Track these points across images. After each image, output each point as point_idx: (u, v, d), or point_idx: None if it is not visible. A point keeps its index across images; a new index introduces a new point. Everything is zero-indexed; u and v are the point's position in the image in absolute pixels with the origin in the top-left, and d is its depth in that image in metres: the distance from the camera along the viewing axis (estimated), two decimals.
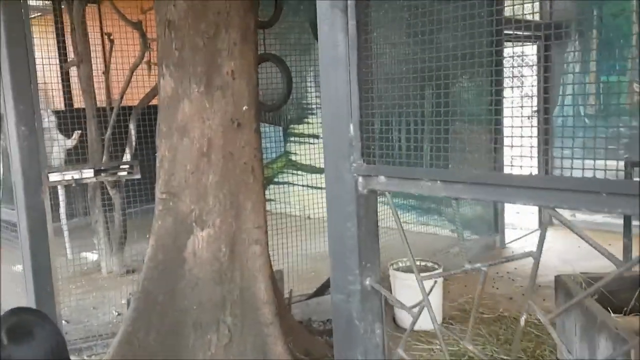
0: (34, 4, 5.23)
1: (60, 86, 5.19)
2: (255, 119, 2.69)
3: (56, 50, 4.83)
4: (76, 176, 2.93)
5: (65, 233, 4.74)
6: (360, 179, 1.37)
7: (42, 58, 4.16)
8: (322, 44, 1.40)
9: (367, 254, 1.44)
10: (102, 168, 2.99)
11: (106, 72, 4.33)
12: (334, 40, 1.38)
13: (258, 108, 2.74)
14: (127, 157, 4.34)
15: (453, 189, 1.24)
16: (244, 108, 2.61)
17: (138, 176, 3.05)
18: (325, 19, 1.38)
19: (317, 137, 5.80)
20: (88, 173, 2.94)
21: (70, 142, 4.26)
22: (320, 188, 4.97)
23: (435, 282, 2.42)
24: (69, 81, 5.52)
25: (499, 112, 3.28)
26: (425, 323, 1.37)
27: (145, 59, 4.22)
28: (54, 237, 2.96)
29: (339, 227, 1.44)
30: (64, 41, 4.49)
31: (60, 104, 5.01)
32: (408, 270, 3.50)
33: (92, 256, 4.81)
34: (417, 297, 1.34)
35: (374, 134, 1.37)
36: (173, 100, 2.60)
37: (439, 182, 1.25)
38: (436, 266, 3.53)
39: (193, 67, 2.55)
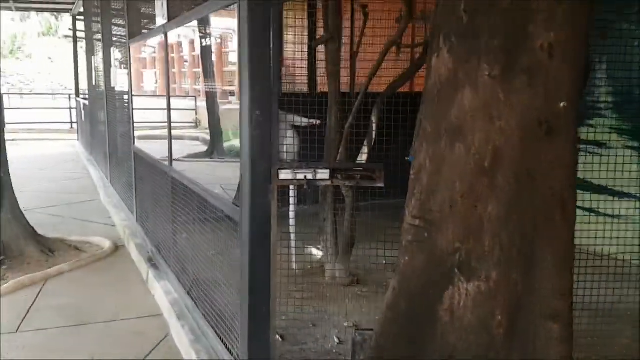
0: None
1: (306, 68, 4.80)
2: (574, 123, 1.72)
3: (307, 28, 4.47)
4: (309, 176, 2.33)
5: (292, 221, 4.20)
6: None
7: (294, 35, 3.74)
8: None
9: None
10: (339, 168, 2.34)
11: (355, 51, 3.75)
12: None
13: (577, 107, 1.76)
14: (362, 156, 3.71)
15: None
16: (561, 105, 1.66)
17: (381, 184, 2.33)
18: None
19: (603, 145, 4.43)
20: (323, 174, 2.32)
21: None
22: (611, 216, 3.65)
23: None
24: (315, 63, 5.17)
25: None
26: None
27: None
28: (278, 245, 2.44)
29: None
30: (315, 18, 4.07)
31: (303, 88, 4.60)
32: None
33: (317, 252, 4.34)
34: None
35: None
36: (448, 87, 1.77)
37: None
38: None
39: (487, 38, 1.68)
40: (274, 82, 2.30)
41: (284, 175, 2.34)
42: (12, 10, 13.59)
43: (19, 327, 3.60)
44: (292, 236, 3.95)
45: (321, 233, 3.94)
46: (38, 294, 4.13)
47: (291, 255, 3.93)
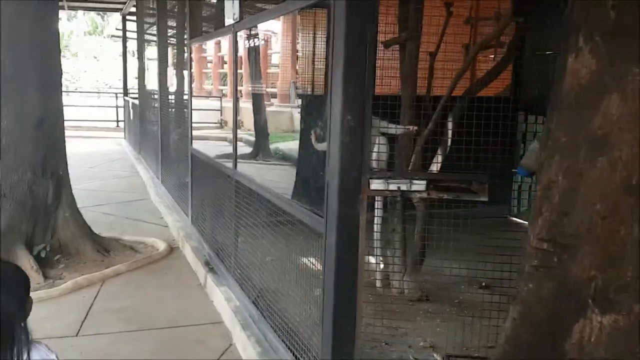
0: None
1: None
2: None
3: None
4: (404, 187, 2.15)
5: (377, 235, 3.89)
6: None
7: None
8: None
9: None
10: (437, 179, 2.15)
11: (433, 52, 3.54)
12: None
13: None
14: (435, 165, 3.50)
15: None
16: None
17: (484, 198, 2.12)
18: None
19: None
20: (419, 185, 2.13)
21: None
22: None
23: None
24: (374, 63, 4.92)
25: None
26: None
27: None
28: (364, 264, 2.26)
29: None
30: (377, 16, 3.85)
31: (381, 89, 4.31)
32: None
33: (376, 262, 4.14)
34: None
35: None
36: (590, 93, 1.56)
37: None
38: None
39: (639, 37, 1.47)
40: (368, 85, 2.13)
41: (376, 185, 2.17)
42: (64, 9, 13.86)
43: (78, 330, 3.53)
44: (378, 251, 3.66)
45: (388, 244, 3.74)
46: (96, 295, 4.07)
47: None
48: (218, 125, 15.03)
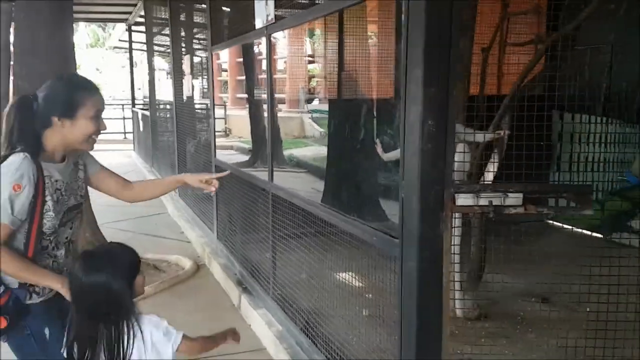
0: None
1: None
2: None
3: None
4: (496, 201, 1.86)
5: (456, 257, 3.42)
6: None
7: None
8: None
9: None
10: (535, 190, 1.87)
11: (486, 49, 3.26)
12: None
13: None
14: (488, 175, 3.22)
15: None
16: None
17: (589, 212, 1.84)
18: None
19: None
20: (515, 198, 1.85)
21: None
22: None
23: None
24: None
25: None
26: None
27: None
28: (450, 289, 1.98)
29: None
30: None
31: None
32: None
33: None
34: None
35: None
36: None
37: None
38: None
39: None
40: (451, 84, 1.85)
41: (463, 200, 1.88)
42: None
43: None
44: (457, 276, 3.17)
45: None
46: None
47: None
48: (222, 133, 14.79)
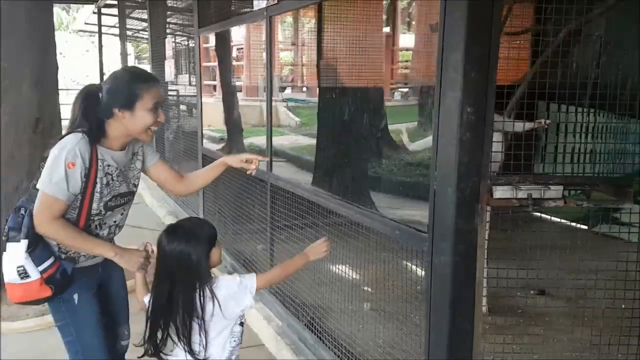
0: None
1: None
2: None
3: None
4: (536, 194, 1.78)
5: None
6: None
7: None
8: None
9: None
10: (578, 182, 1.79)
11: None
12: None
13: None
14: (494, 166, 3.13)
15: None
16: None
17: (629, 205, 1.78)
18: None
19: None
20: (555, 191, 1.77)
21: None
22: None
23: None
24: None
25: None
26: None
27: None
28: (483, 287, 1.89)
29: None
30: None
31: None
32: None
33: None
34: None
35: None
36: None
37: None
38: None
39: None
40: (492, 70, 1.76)
41: (501, 192, 1.79)
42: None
43: None
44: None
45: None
46: None
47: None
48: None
